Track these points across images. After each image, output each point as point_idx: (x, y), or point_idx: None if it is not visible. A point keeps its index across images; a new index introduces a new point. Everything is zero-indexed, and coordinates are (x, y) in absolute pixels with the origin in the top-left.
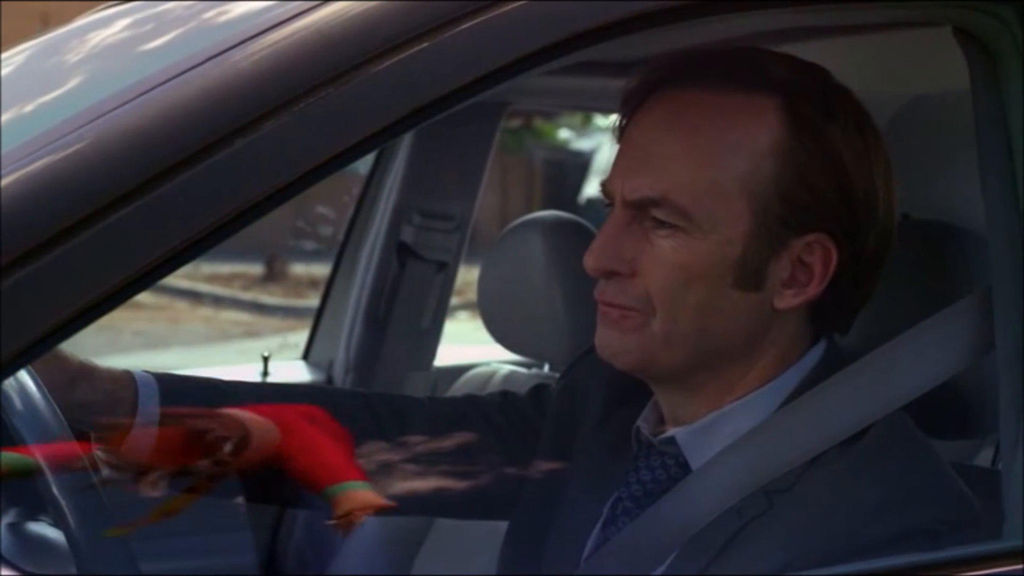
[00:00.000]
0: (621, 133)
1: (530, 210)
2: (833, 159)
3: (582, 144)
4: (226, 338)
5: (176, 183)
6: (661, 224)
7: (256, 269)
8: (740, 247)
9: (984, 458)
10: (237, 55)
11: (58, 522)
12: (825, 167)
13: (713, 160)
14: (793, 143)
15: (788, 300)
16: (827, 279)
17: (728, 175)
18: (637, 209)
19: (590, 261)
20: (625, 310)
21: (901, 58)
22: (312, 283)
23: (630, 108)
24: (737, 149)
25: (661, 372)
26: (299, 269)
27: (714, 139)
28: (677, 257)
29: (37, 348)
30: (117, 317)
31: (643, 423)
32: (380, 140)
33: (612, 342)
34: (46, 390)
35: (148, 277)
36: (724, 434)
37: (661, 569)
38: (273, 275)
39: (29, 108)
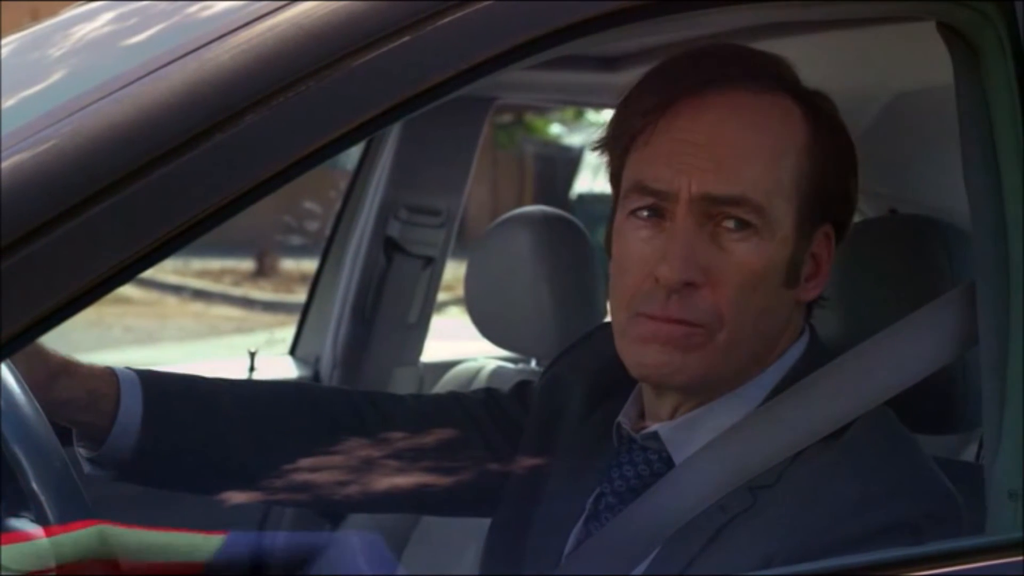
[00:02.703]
0: (636, 136)
1: (521, 205)
2: (840, 149)
3: (573, 139)
4: (216, 333)
5: (155, 177)
6: (735, 226)
7: (247, 264)
8: (791, 246)
9: (969, 453)
10: (217, 49)
11: (39, 519)
12: (838, 158)
13: (774, 159)
14: (816, 136)
15: (811, 291)
16: (830, 267)
17: (786, 174)
18: (705, 211)
19: (672, 274)
20: (691, 327)
21: (886, 54)
22: (303, 278)
23: (655, 115)
24: (788, 147)
25: (709, 384)
26: (290, 264)
27: (770, 139)
28: (752, 260)
29: (15, 343)
30: (106, 312)
31: (624, 418)
32: (362, 134)
33: (672, 361)
34: (27, 387)
35: (128, 272)
36: (707, 429)
37: (644, 565)
38: (264, 270)
39: (11, 102)
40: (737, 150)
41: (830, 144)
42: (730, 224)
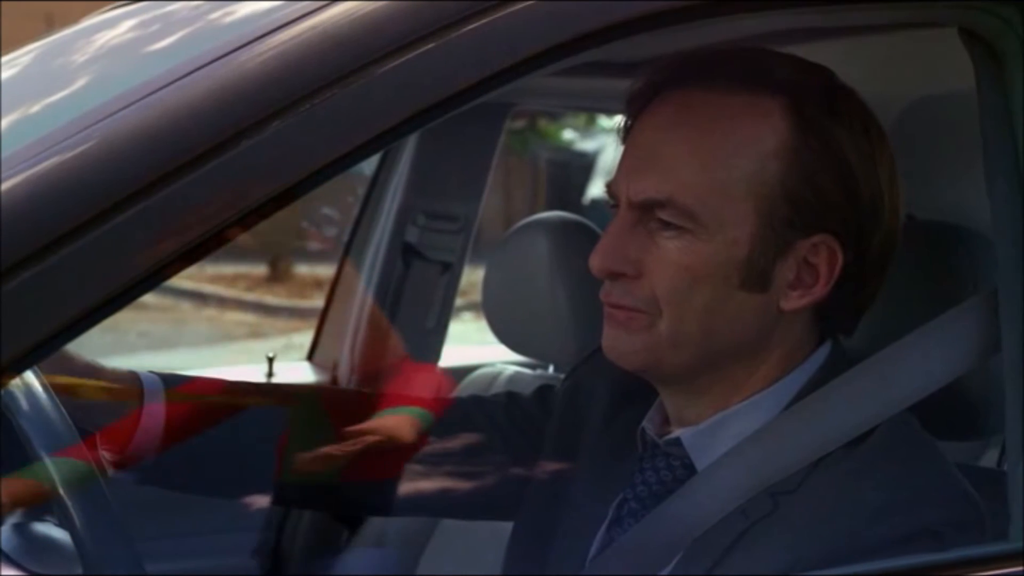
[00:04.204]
0: (626, 134)
1: (534, 211)
2: (839, 160)
3: (586, 145)
4: (231, 339)
5: (182, 184)
6: (667, 225)
7: (261, 270)
8: (746, 248)
9: (990, 459)
10: (243, 56)
11: (63, 522)
12: (831, 168)
13: (719, 161)
14: (799, 144)
15: (794, 301)
16: (833, 280)
17: (734, 176)
18: (642, 210)
19: (596, 262)
20: (631, 311)
21: (906, 59)
22: (317, 284)
23: (635, 109)
24: (743, 150)
25: (668, 373)
26: (304, 270)
27: (720, 140)
28: (683, 258)
29: (43, 349)
30: (122, 318)
31: (648, 424)
32: (386, 141)
33: (619, 343)
34: (52, 391)
35: (154, 278)
36: (730, 435)
37: (666, 570)
38: (278, 276)
39: (35, 109)
40: (672, 152)
41: (820, 149)
42: (661, 223)
